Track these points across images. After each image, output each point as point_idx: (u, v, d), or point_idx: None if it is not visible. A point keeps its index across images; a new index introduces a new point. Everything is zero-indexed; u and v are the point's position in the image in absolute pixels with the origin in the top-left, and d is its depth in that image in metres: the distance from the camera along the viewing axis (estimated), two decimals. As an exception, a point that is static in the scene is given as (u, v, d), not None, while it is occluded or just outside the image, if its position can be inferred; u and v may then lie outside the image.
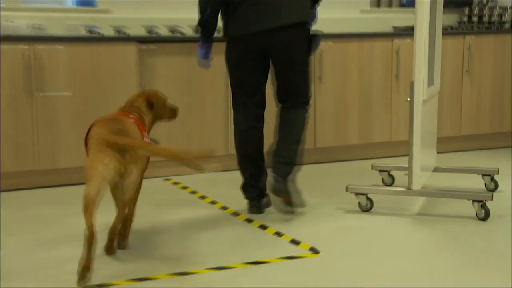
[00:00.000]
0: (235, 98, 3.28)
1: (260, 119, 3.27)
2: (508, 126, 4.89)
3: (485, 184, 3.69)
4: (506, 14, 4.94)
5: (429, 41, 3.31)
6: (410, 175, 3.23)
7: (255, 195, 3.29)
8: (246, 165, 3.26)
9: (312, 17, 3.26)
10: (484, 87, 4.81)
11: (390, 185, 3.79)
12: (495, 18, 5.00)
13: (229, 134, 4.12)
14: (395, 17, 5.01)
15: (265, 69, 3.23)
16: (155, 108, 2.86)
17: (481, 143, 4.87)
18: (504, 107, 4.87)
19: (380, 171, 3.82)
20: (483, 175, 3.68)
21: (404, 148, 3.35)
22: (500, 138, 4.92)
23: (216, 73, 4.09)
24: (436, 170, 3.75)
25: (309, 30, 3.22)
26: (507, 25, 4.94)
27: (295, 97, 3.24)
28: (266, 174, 3.27)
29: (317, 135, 4.32)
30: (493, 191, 3.65)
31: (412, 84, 3.18)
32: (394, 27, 4.93)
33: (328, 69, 4.31)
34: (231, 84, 3.28)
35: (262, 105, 3.28)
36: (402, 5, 5.18)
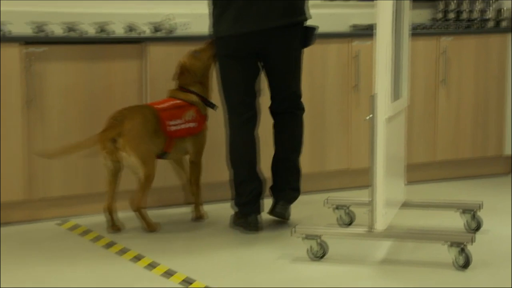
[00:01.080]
0: (228, 103, 3.79)
1: (254, 129, 3.80)
2: (494, 149, 5.02)
3: (465, 222, 3.75)
4: (490, 10, 5.09)
5: (394, 43, 3.36)
6: (372, 213, 3.25)
7: (254, 211, 3.77)
8: (247, 181, 3.77)
9: (308, 16, 3.77)
10: (464, 100, 4.93)
11: (348, 225, 3.81)
12: (476, 14, 5.14)
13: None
14: (354, 13, 5.08)
15: (256, 74, 3.79)
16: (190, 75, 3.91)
17: (461, 170, 4.97)
18: (488, 125, 4.99)
19: (336, 207, 3.83)
20: (463, 211, 3.75)
21: (366, 177, 3.39)
22: (484, 164, 5.04)
23: (128, 81, 4.05)
24: (405, 205, 3.79)
25: (303, 28, 3.74)
26: (491, 23, 5.09)
27: (289, 103, 3.84)
28: (263, 188, 3.84)
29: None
30: (475, 231, 3.71)
31: (373, 98, 3.22)
32: (353, 26, 5.01)
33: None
34: (223, 89, 3.80)
35: (255, 115, 3.80)
36: None
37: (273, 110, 3.91)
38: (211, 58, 3.91)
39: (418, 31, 4.79)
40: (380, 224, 3.25)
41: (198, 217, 3.99)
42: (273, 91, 3.87)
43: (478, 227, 3.73)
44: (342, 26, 5.02)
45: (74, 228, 3.84)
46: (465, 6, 5.18)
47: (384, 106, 3.22)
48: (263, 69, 3.84)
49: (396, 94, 3.62)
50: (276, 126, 3.92)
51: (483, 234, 3.65)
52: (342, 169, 4.61)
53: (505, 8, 5.07)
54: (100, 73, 4.01)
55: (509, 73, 5.02)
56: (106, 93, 4.04)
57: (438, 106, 4.83)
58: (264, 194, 3.84)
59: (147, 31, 4.32)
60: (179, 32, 4.48)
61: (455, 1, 5.22)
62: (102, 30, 4.21)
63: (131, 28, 4.29)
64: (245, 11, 3.66)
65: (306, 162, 4.44)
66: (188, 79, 3.92)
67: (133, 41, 4.10)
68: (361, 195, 3.97)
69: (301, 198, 3.93)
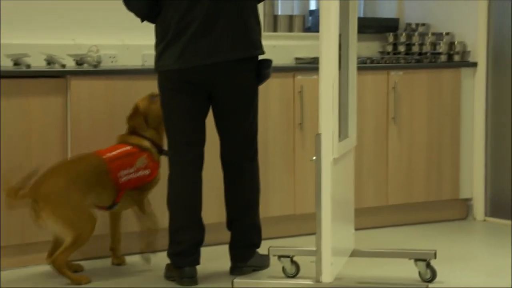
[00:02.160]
0: (170, 140, 3.77)
1: (199, 171, 3.76)
2: (449, 192, 5.07)
3: (419, 272, 3.76)
4: (442, 43, 5.18)
5: (340, 78, 3.38)
6: (318, 263, 3.24)
7: (190, 263, 3.71)
8: (185, 227, 3.72)
9: (262, 50, 3.77)
10: (416, 139, 4.98)
11: (293, 276, 3.78)
12: (427, 47, 5.23)
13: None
14: (298, 45, 5.10)
15: (204, 112, 3.75)
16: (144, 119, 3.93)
17: (414, 215, 5.00)
18: (443, 166, 5.05)
19: (280, 256, 3.81)
20: (416, 260, 3.75)
21: (313, 223, 3.38)
22: (438, 208, 5.08)
23: (48, 120, 4.00)
24: (354, 254, 3.79)
25: (257, 63, 3.74)
26: (443, 57, 5.18)
27: (239, 152, 3.79)
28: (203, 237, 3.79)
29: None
30: (429, 281, 3.72)
31: (318, 138, 3.23)
32: (297, 59, 5.04)
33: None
34: (165, 125, 3.78)
35: (200, 156, 3.76)
36: (306, 29, 5.31)
37: (222, 159, 3.85)
38: None
39: (366, 65, 4.85)
40: (327, 275, 3.24)
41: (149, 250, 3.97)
42: (221, 136, 3.81)
43: (432, 278, 3.74)
44: (285, 59, 5.05)
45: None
46: (416, 39, 5.27)
47: (329, 147, 3.23)
48: (212, 108, 3.79)
49: (343, 133, 3.64)
50: (225, 180, 3.85)
51: (438, 285, 3.66)
52: (286, 215, 4.59)
53: (457, 42, 5.18)
54: (16, 111, 3.93)
55: (463, 110, 5.12)
56: (24, 133, 3.96)
57: (388, 146, 4.88)
58: (203, 243, 3.79)
59: (68, 64, 4.25)
60: (105, 65, 4.44)
61: (405, 34, 5.31)
62: (17, 64, 4.12)
63: (50, 61, 4.22)
64: (192, 44, 3.60)
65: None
66: (141, 123, 3.93)
67: (53, 75, 4.04)
68: (307, 243, 3.95)
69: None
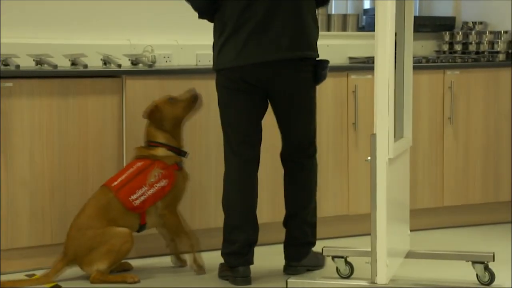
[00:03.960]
0: (226, 141, 3.78)
1: (255, 171, 3.78)
2: (505, 194, 5.00)
3: (477, 275, 3.72)
4: (500, 42, 5.12)
5: (395, 77, 3.37)
6: (373, 264, 3.23)
7: (243, 262, 3.72)
8: (240, 227, 3.72)
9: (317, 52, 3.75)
10: (472, 140, 4.93)
11: (347, 277, 3.77)
12: (484, 46, 5.16)
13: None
14: (352, 45, 5.10)
15: (261, 112, 3.77)
16: (160, 121, 3.90)
17: (470, 217, 4.95)
18: (501, 167, 4.99)
19: (334, 257, 3.80)
20: (473, 262, 3.71)
21: (366, 224, 3.37)
22: (496, 210, 5.02)
23: (104, 118, 4.05)
24: (410, 255, 3.76)
25: (314, 63, 3.73)
26: (501, 56, 5.11)
27: (298, 151, 3.82)
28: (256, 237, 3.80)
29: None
30: (488, 284, 3.68)
31: (373, 138, 3.21)
32: (351, 58, 5.02)
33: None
34: (222, 127, 3.79)
35: (256, 156, 3.79)
36: (360, 29, 5.29)
37: (282, 156, 3.89)
38: (187, 110, 3.92)
39: (422, 65, 4.81)
40: (382, 277, 3.22)
41: (198, 266, 3.94)
42: (282, 135, 3.85)
43: (490, 281, 3.69)
44: (339, 59, 5.04)
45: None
46: (473, 37, 5.21)
47: (385, 147, 3.22)
48: (272, 107, 3.82)
49: (398, 133, 3.62)
50: (285, 177, 3.89)
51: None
52: (339, 215, 4.58)
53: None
54: (74, 110, 4.00)
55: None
56: (80, 132, 4.02)
57: (444, 146, 4.83)
58: (256, 243, 3.80)
59: (124, 64, 4.31)
60: (160, 65, 4.48)
61: (461, 32, 5.26)
62: (74, 64, 4.20)
63: (106, 61, 4.28)
64: (251, 41, 3.62)
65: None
66: (157, 122, 3.90)
67: (109, 75, 4.09)
68: (361, 244, 3.93)
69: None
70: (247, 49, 3.62)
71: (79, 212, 3.83)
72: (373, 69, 3.25)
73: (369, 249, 3.26)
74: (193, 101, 3.93)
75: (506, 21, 5.22)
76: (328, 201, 4.53)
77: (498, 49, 5.11)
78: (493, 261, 3.69)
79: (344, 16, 5.23)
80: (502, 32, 5.17)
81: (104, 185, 3.86)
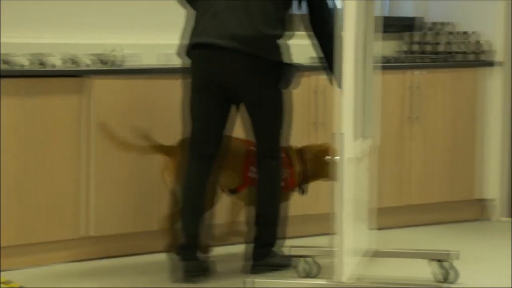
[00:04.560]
0: (190, 133, 3.77)
1: (209, 171, 3.76)
2: (472, 192, 5.03)
3: (440, 273, 3.73)
4: (467, 42, 5.14)
5: (359, 77, 3.37)
6: (336, 262, 3.22)
7: (191, 257, 3.70)
8: (185, 221, 3.73)
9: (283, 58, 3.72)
10: (436, 139, 4.94)
11: (311, 276, 3.75)
12: (452, 47, 5.17)
13: (80, 210, 4.05)
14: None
15: (223, 110, 3.75)
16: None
17: (433, 215, 4.95)
18: (465, 166, 5.02)
19: (298, 256, 3.78)
20: (437, 260, 3.73)
21: (330, 223, 3.37)
22: (461, 208, 5.04)
23: (68, 119, 4.02)
24: (373, 254, 3.77)
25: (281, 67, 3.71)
26: (469, 57, 5.13)
27: (264, 150, 3.79)
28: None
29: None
30: (451, 282, 3.69)
31: (336, 137, 3.22)
32: (312, 58, 4.97)
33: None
34: (187, 117, 3.77)
35: (214, 156, 3.76)
36: None
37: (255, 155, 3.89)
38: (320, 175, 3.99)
39: (388, 65, 4.80)
40: (345, 275, 3.22)
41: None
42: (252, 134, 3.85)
43: (454, 279, 3.71)
44: (302, 59, 4.98)
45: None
46: (440, 38, 5.23)
47: (347, 146, 3.21)
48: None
49: (362, 132, 3.62)
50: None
51: (460, 285, 3.64)
52: (304, 214, 4.52)
53: (482, 41, 5.13)
54: (39, 110, 3.95)
55: (487, 110, 5.08)
56: (46, 131, 3.98)
57: (410, 146, 4.84)
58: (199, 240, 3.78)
59: (90, 64, 4.27)
60: (128, 64, 4.45)
61: (429, 33, 5.27)
62: (42, 63, 4.15)
63: (73, 60, 4.23)
64: (210, 25, 3.66)
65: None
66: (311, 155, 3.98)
67: (74, 75, 4.05)
68: (326, 243, 3.93)
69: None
70: (205, 31, 3.65)
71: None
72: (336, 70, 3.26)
73: (331, 249, 3.25)
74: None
75: (474, 21, 5.24)
76: (293, 200, 4.52)
77: (465, 49, 5.13)
78: (458, 259, 3.72)
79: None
80: (470, 32, 5.19)
81: (247, 141, 3.89)
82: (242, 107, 3.79)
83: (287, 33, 3.78)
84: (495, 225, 4.80)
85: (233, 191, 3.96)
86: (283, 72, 3.74)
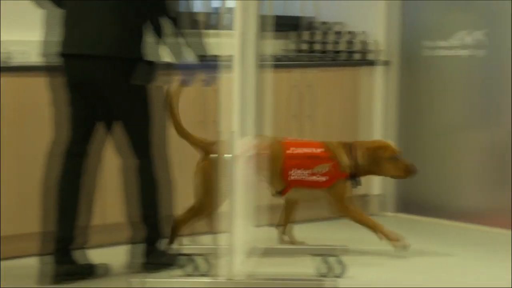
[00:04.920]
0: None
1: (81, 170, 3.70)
2: (368, 187, 5.11)
3: (328, 267, 3.79)
4: (356, 42, 5.24)
5: (245, 76, 3.37)
6: (224, 260, 3.22)
7: (59, 260, 3.63)
8: (57, 222, 3.66)
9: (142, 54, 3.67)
10: (331, 137, 4.98)
11: (199, 274, 3.75)
12: (342, 46, 5.27)
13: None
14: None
15: (89, 114, 3.70)
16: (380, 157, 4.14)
17: (314, 211, 4.98)
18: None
19: (184, 254, 3.77)
20: (326, 255, 3.78)
21: (219, 222, 3.37)
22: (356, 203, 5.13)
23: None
24: (262, 251, 3.76)
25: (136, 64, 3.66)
26: (358, 56, 5.23)
27: (135, 148, 3.76)
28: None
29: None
30: (339, 277, 3.75)
31: (222, 135, 3.22)
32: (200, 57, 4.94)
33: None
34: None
35: (84, 153, 3.71)
36: (210, 26, 5.15)
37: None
38: (395, 173, 4.17)
39: (281, 63, 4.86)
40: (235, 273, 3.23)
41: None
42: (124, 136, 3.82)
43: (341, 273, 3.77)
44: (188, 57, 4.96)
45: None
46: (329, 37, 5.31)
47: (237, 144, 3.23)
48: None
49: (252, 130, 3.64)
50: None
51: (348, 280, 3.71)
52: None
53: (369, 41, 5.23)
54: None
55: (373, 109, 5.20)
56: None
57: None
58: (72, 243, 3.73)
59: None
60: (16, 61, 4.35)
61: (318, 32, 5.34)
62: None
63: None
64: (67, 31, 3.66)
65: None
66: (377, 155, 4.14)
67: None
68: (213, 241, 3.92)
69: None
70: (66, 39, 3.66)
71: None
72: (222, 68, 3.25)
73: (219, 247, 3.26)
74: (406, 172, 4.14)
75: (362, 22, 5.35)
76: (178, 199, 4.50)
77: (352, 49, 5.23)
78: (345, 254, 3.79)
79: (193, 14, 5.15)
80: (358, 32, 5.29)
81: (284, 143, 4.10)
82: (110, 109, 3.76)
83: (148, 30, 3.76)
84: (381, 220, 4.89)
85: (278, 194, 4.14)
86: (141, 69, 3.70)
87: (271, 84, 4.58)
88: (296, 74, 4.90)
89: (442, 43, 5.01)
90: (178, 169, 4.07)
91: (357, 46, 5.22)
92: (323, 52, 5.28)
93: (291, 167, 4.06)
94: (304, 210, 4.71)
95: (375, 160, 4.14)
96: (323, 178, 4.07)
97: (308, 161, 4.07)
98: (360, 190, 5.06)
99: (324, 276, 3.74)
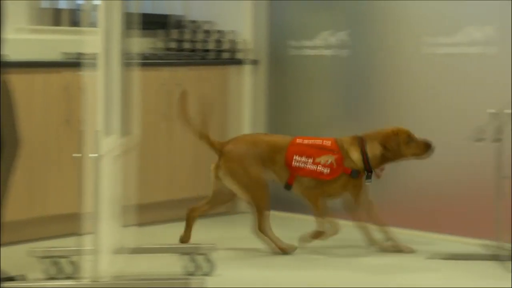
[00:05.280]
0: None
1: None
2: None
3: (196, 265, 3.78)
4: (225, 41, 5.25)
5: (110, 74, 3.33)
6: (93, 261, 3.17)
7: None
8: None
9: None
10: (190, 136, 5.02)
11: (62, 277, 3.65)
12: (211, 45, 5.27)
13: None
14: (66, 40, 4.93)
15: None
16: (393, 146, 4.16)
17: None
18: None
19: (44, 257, 3.67)
20: (194, 254, 3.77)
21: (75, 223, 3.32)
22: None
23: None
24: (129, 251, 3.72)
25: None
26: (227, 55, 5.25)
27: None
28: None
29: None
30: (207, 275, 3.74)
31: (86, 134, 3.16)
32: (65, 54, 4.89)
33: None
34: None
35: None
36: (74, 23, 5.11)
37: None
38: (414, 152, 4.18)
39: (149, 62, 4.82)
40: (101, 274, 3.18)
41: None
42: None
43: (210, 271, 3.77)
44: (52, 54, 4.85)
45: None
46: (198, 36, 5.30)
47: (98, 143, 3.17)
48: None
49: (120, 129, 3.59)
50: None
51: (216, 278, 3.71)
52: (59, 214, 4.44)
53: (238, 40, 5.26)
54: None
55: (242, 107, 5.25)
56: None
57: (173, 141, 4.90)
58: None
59: None
60: None
61: (187, 30, 5.32)
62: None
63: None
64: None
65: (17, 208, 4.20)
66: (390, 144, 4.14)
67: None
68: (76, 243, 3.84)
69: (9, 249, 3.73)
70: None
71: (261, 134, 4.57)
72: (86, 66, 3.20)
73: (84, 248, 3.20)
74: (426, 148, 4.14)
75: (231, 20, 5.37)
76: (45, 199, 4.41)
77: (224, 47, 5.24)
78: (214, 251, 3.79)
79: (57, 11, 5.08)
80: (227, 31, 5.30)
81: (293, 138, 4.22)
82: None
83: None
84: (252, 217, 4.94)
85: (287, 187, 4.17)
86: None
87: (138, 83, 4.54)
88: (165, 73, 4.87)
89: (307, 43, 5.09)
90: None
91: (226, 45, 5.24)
92: (192, 50, 5.27)
93: (294, 152, 4.11)
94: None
95: (393, 147, 4.15)
96: (325, 170, 4.10)
97: (313, 150, 4.13)
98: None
99: (192, 274, 3.72)
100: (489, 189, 4.10)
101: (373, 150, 4.17)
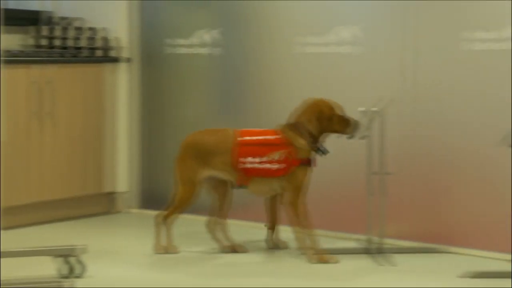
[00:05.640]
0: None
1: None
2: (102, 186, 5.09)
3: (68, 268, 3.69)
4: (97, 38, 5.16)
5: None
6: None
7: None
8: None
9: None
10: (73, 134, 4.95)
11: None
12: (82, 42, 5.17)
13: None
14: None
15: None
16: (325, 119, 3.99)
17: (66, 211, 4.93)
18: (96, 160, 5.06)
19: None
20: (64, 256, 3.69)
21: None
22: (92, 202, 5.08)
23: None
24: (3, 255, 3.62)
25: None
26: (99, 52, 5.16)
27: None
28: None
29: None
30: (78, 277, 3.67)
31: None
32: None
33: None
34: None
35: None
36: None
37: None
38: (340, 127, 4.03)
39: (14, 59, 4.67)
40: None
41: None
42: None
43: (80, 273, 3.70)
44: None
45: None
46: (69, 33, 5.19)
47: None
48: None
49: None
50: None
51: (88, 280, 3.65)
52: None
53: (110, 37, 5.18)
54: None
55: (117, 106, 5.17)
56: None
57: (39, 141, 4.76)
58: None
59: None
60: None
61: (58, 27, 5.20)
62: None
63: None
64: None
65: None
66: (322, 117, 3.98)
67: None
68: None
69: None
70: None
71: (206, 129, 4.18)
72: None
73: None
74: (347, 124, 4.00)
75: (103, 18, 5.28)
76: None
77: (93, 45, 5.15)
78: (84, 253, 3.71)
79: None
80: (98, 28, 5.22)
81: (236, 132, 3.99)
82: None
83: None
84: (126, 217, 4.89)
85: (241, 186, 4.02)
86: None
87: (6, 80, 4.41)
88: (35, 70, 4.75)
89: (182, 41, 5.07)
90: None
91: (98, 43, 5.15)
92: (64, 48, 5.15)
93: (240, 155, 3.93)
94: (49, 210, 4.63)
95: (326, 112, 4.00)
96: (275, 166, 3.93)
97: (261, 148, 3.95)
98: (105, 188, 5.09)
99: (66, 277, 3.64)
100: (362, 185, 4.19)
101: (314, 128, 3.99)
